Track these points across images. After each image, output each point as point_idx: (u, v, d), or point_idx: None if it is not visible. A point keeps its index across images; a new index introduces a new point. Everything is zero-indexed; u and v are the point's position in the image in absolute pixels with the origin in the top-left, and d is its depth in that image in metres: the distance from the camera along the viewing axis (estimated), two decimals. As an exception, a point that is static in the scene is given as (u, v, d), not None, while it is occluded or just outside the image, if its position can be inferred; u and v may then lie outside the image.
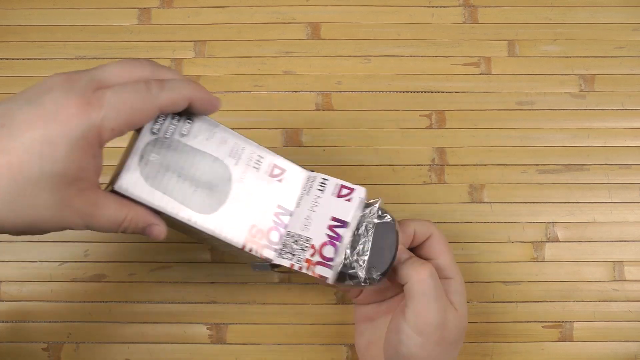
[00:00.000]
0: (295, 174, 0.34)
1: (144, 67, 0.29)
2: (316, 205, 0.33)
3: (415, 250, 0.36)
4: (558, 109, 0.45)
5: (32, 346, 0.42)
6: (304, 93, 0.45)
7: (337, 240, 0.32)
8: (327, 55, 0.46)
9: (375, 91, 0.45)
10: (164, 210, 0.30)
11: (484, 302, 0.43)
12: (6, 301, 0.43)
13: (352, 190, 0.33)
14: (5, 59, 0.46)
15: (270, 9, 0.47)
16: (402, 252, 0.34)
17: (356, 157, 0.44)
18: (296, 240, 0.33)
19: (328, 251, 0.32)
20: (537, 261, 0.43)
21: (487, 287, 0.43)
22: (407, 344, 0.32)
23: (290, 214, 0.33)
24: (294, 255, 0.32)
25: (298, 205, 0.33)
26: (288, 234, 0.33)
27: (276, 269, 0.34)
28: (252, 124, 0.45)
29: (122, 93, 0.27)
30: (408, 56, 0.46)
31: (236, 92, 0.45)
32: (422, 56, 0.46)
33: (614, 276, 0.43)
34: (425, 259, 0.35)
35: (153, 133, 0.30)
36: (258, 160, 0.33)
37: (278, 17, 0.46)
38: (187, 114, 0.31)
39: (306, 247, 0.32)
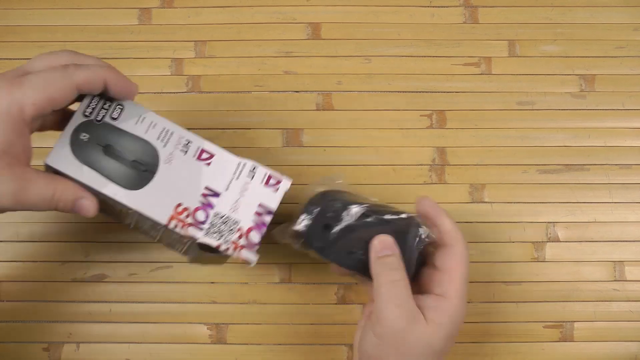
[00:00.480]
0: (225, 159, 0.35)
1: (65, 55, 0.32)
2: (245, 191, 0.34)
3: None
4: (558, 109, 0.45)
5: (32, 346, 0.42)
6: (304, 93, 0.45)
7: (263, 227, 0.34)
8: (327, 55, 0.46)
9: (375, 91, 0.45)
10: (90, 184, 0.32)
11: (484, 302, 0.43)
12: (6, 301, 0.43)
13: (279, 181, 0.35)
14: (5, 59, 0.46)
15: (271, 9, 0.47)
16: (383, 249, 0.34)
17: (356, 157, 0.44)
18: (225, 222, 0.34)
19: (254, 236, 0.34)
20: (538, 261, 0.43)
21: (488, 287, 0.43)
22: (366, 341, 0.32)
23: (218, 196, 0.34)
24: (221, 235, 0.34)
25: (227, 188, 0.34)
26: (216, 215, 0.34)
27: (206, 252, 0.35)
28: (253, 124, 0.45)
29: (42, 74, 0.30)
30: (408, 56, 0.46)
31: (236, 92, 0.45)
32: (422, 56, 0.46)
33: (615, 276, 0.43)
34: (436, 262, 0.34)
35: (85, 115, 0.33)
36: (186, 144, 0.34)
37: (278, 17, 0.46)
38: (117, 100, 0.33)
39: (233, 229, 0.34)
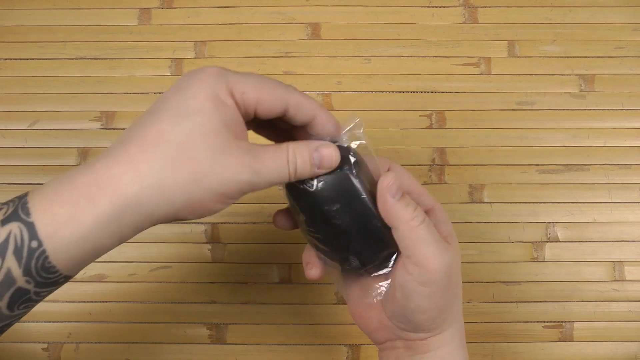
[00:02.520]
0: None
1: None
2: None
3: None
4: (558, 109, 0.45)
5: (32, 346, 0.42)
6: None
7: None
8: (327, 55, 0.46)
9: (375, 91, 0.45)
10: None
11: (484, 302, 0.43)
12: (6, 301, 0.43)
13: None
14: (5, 59, 0.46)
15: (270, 9, 0.47)
16: (387, 191, 0.29)
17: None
18: None
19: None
20: (538, 261, 0.43)
21: (488, 287, 0.43)
22: (415, 297, 0.29)
23: None
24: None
25: None
26: None
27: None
28: (252, 124, 0.45)
29: (262, 76, 0.28)
30: (408, 56, 0.46)
31: (236, 92, 0.45)
32: (422, 56, 0.46)
33: (614, 276, 0.43)
34: None
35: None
36: None
37: (278, 17, 0.46)
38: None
39: None
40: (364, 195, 0.29)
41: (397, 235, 0.29)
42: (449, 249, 0.29)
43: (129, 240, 0.43)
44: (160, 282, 0.43)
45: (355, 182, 0.29)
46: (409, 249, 0.29)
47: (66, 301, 0.43)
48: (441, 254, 0.29)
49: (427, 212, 0.31)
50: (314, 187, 0.29)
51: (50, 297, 0.42)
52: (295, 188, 0.29)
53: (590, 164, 0.44)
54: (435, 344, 0.31)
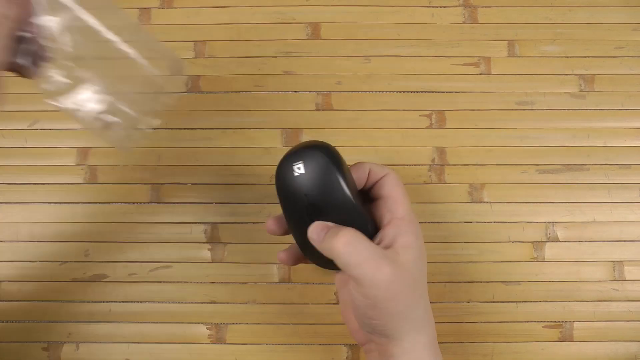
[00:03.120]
0: None
1: None
2: None
3: (370, 190, 0.34)
4: (558, 109, 0.45)
5: (32, 346, 0.42)
6: (304, 93, 0.45)
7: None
8: (326, 55, 0.46)
9: (375, 91, 0.45)
10: None
11: (484, 302, 0.43)
12: (6, 301, 0.43)
13: None
14: (6, 59, 0.46)
15: (270, 9, 0.47)
16: (319, 234, 0.32)
17: (356, 157, 0.44)
18: None
19: None
20: (537, 261, 0.43)
21: (487, 287, 0.43)
22: (361, 306, 0.31)
23: None
24: None
25: None
26: None
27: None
28: (252, 124, 0.45)
29: None
30: (408, 56, 0.46)
31: (236, 92, 0.45)
32: (422, 56, 0.46)
33: (614, 276, 0.43)
34: (378, 196, 0.33)
35: None
36: None
37: (278, 17, 0.46)
38: None
39: None
40: (345, 188, 0.32)
41: (337, 264, 0.31)
42: (387, 267, 0.30)
43: (128, 240, 0.43)
44: (160, 282, 0.43)
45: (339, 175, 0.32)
46: (346, 270, 0.31)
47: (66, 301, 0.43)
48: (375, 272, 0.30)
49: (397, 221, 0.33)
50: (299, 172, 0.32)
51: (50, 297, 0.42)
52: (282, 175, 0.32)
53: (590, 164, 0.44)
54: (397, 350, 0.32)
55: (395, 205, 0.33)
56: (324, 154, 0.32)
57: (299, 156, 0.32)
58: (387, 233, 0.32)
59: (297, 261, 0.36)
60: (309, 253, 0.33)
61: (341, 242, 0.31)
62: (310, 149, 0.32)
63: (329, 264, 0.33)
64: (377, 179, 0.34)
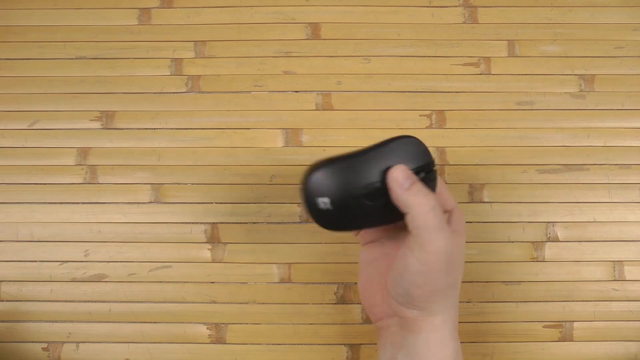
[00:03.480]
0: None
1: None
2: None
3: None
4: (558, 109, 0.45)
5: (32, 346, 0.42)
6: (304, 93, 0.45)
7: None
8: (327, 55, 0.46)
9: (375, 91, 0.45)
10: None
11: (484, 302, 0.43)
12: (6, 301, 0.43)
13: None
14: (6, 59, 0.46)
15: (270, 9, 0.47)
16: (406, 179, 0.32)
17: (356, 157, 0.44)
18: None
19: None
20: (537, 261, 0.43)
21: (487, 287, 0.43)
22: (411, 271, 0.32)
23: None
24: None
25: None
26: None
27: None
28: (252, 124, 0.45)
29: None
30: (408, 56, 0.46)
31: (236, 92, 0.45)
32: (422, 56, 0.46)
33: (614, 276, 0.43)
34: None
35: None
36: None
37: (278, 17, 0.46)
38: None
39: None
40: None
41: (407, 218, 0.32)
42: (452, 239, 0.32)
43: (128, 240, 0.43)
44: (160, 282, 0.43)
45: None
46: (415, 230, 0.32)
47: (66, 301, 0.43)
48: (443, 241, 0.31)
49: (447, 212, 0.35)
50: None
51: (50, 296, 0.43)
52: None
53: (590, 164, 0.44)
54: (427, 326, 0.32)
55: (444, 199, 0.35)
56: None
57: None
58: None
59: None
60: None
61: (432, 199, 0.32)
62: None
63: (313, 209, 0.33)
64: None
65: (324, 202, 0.33)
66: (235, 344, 0.42)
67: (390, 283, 0.34)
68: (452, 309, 0.33)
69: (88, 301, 0.43)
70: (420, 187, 0.32)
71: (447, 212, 0.35)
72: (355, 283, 0.43)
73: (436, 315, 0.32)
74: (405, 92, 0.45)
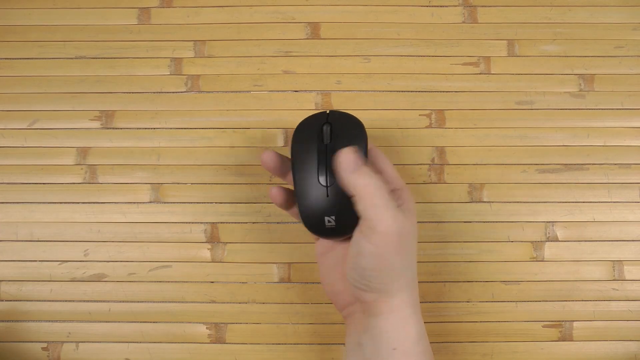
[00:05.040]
0: None
1: None
2: None
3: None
4: (557, 109, 0.45)
5: (31, 345, 0.42)
6: (304, 93, 0.45)
7: None
8: (326, 55, 0.46)
9: (375, 91, 0.45)
10: None
11: (483, 302, 0.43)
12: (6, 300, 0.43)
13: None
14: (6, 58, 0.46)
15: (270, 9, 0.47)
16: (350, 162, 0.33)
17: (356, 157, 0.44)
18: None
19: None
20: (537, 261, 0.43)
21: (487, 287, 0.43)
22: (364, 254, 0.32)
23: None
24: None
25: None
26: None
27: None
28: (252, 124, 0.45)
29: None
30: (408, 56, 0.46)
31: (236, 91, 0.45)
32: (421, 56, 0.46)
33: (614, 276, 0.43)
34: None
35: None
36: None
37: (278, 17, 0.46)
38: None
39: None
40: None
41: (355, 201, 0.33)
42: (400, 218, 0.32)
43: (128, 240, 0.43)
44: (160, 281, 0.43)
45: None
46: (363, 212, 0.32)
47: (66, 300, 0.43)
48: (391, 219, 0.32)
49: (395, 191, 0.35)
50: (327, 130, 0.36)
51: (50, 296, 0.43)
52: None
53: (589, 164, 0.44)
54: (386, 308, 0.33)
55: (392, 178, 0.36)
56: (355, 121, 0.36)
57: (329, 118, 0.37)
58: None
59: (286, 203, 0.37)
60: (307, 210, 0.35)
61: (374, 179, 0.32)
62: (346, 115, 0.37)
63: (319, 227, 0.35)
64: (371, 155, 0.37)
65: (329, 220, 0.35)
66: (235, 343, 0.42)
67: (347, 269, 0.34)
68: (410, 289, 0.34)
69: (88, 301, 0.43)
70: (364, 170, 0.33)
71: (396, 191, 0.35)
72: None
73: (394, 297, 0.33)
74: (404, 91, 0.45)
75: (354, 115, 0.37)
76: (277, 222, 0.43)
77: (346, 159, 0.33)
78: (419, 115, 0.45)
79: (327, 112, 0.37)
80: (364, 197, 0.32)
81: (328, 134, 0.35)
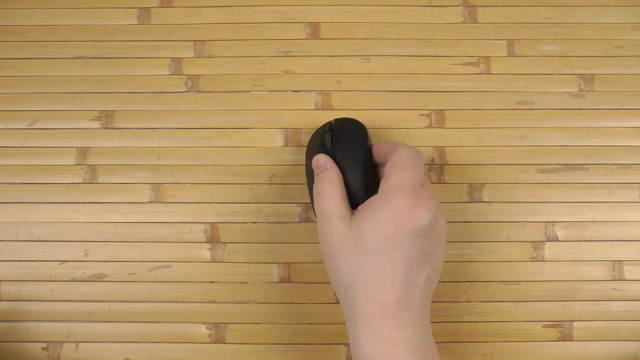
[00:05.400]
0: None
1: None
2: None
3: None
4: (557, 109, 0.45)
5: (31, 346, 0.42)
6: (304, 93, 0.45)
7: None
8: (326, 55, 0.46)
9: (374, 91, 0.45)
10: None
11: (483, 302, 0.43)
12: (6, 300, 0.43)
13: None
14: (5, 58, 0.46)
15: (270, 9, 0.47)
16: (316, 168, 0.38)
17: (356, 157, 0.44)
18: None
19: None
20: (537, 261, 0.43)
21: (487, 287, 0.43)
22: (328, 249, 0.35)
23: None
24: None
25: None
26: None
27: None
28: (252, 124, 0.45)
29: None
30: (408, 56, 0.46)
31: (236, 91, 0.45)
32: (421, 56, 0.46)
33: (614, 276, 0.43)
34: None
35: None
36: None
37: (278, 17, 0.46)
38: None
39: None
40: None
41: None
42: (347, 227, 0.34)
43: (128, 240, 0.43)
44: (160, 281, 0.43)
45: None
46: (318, 215, 0.36)
47: (66, 300, 0.43)
48: (328, 232, 0.35)
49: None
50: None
51: (50, 296, 0.43)
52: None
53: (589, 164, 0.44)
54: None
55: (385, 153, 0.37)
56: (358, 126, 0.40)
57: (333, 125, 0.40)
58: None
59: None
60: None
61: (327, 185, 0.36)
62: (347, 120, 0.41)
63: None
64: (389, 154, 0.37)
65: None
66: (234, 343, 0.42)
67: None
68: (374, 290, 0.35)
69: (88, 301, 0.43)
70: (322, 174, 0.37)
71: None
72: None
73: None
74: (404, 91, 0.45)
75: (356, 118, 0.40)
76: (277, 222, 0.43)
77: (318, 161, 0.38)
78: (419, 115, 0.45)
79: (332, 121, 0.41)
80: (316, 201, 0.37)
81: (329, 141, 0.39)
